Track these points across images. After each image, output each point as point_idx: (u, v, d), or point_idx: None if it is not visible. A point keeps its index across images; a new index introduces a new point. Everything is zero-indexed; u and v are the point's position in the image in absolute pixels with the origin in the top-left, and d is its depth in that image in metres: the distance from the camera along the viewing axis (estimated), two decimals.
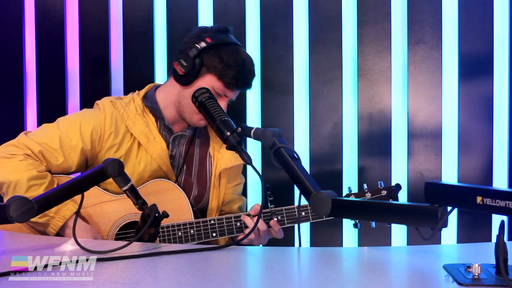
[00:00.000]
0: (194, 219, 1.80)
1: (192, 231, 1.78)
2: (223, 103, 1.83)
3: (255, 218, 1.76)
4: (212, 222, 1.79)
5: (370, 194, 1.79)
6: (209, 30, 1.87)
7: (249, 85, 1.89)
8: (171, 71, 1.87)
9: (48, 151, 1.76)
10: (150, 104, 1.89)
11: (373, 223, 1.77)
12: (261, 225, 1.77)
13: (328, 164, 2.34)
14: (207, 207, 1.94)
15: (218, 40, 1.83)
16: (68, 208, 1.70)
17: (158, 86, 1.96)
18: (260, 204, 1.78)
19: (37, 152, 1.74)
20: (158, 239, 1.74)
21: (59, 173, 1.80)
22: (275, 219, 1.79)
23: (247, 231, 1.76)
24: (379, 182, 1.80)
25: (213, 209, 1.93)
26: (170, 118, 1.90)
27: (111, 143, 1.81)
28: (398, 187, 1.79)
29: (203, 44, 1.81)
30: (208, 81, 1.82)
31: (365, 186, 1.80)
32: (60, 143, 1.77)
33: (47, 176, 1.73)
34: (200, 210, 1.95)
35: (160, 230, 1.75)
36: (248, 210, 2.03)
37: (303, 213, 1.80)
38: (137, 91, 1.94)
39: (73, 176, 1.83)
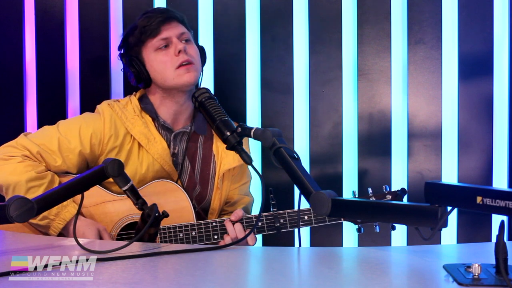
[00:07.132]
0: (196, 220, 1.79)
1: (193, 233, 1.76)
2: (179, 46, 1.83)
3: (236, 225, 1.73)
4: (214, 224, 1.77)
5: (374, 199, 1.76)
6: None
7: (168, 12, 1.89)
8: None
9: (46, 152, 1.76)
10: (144, 104, 1.90)
11: (377, 228, 1.76)
12: (239, 231, 1.71)
13: (328, 164, 2.34)
14: (209, 206, 1.93)
15: (123, 35, 1.96)
16: (68, 210, 1.70)
17: None
18: (243, 211, 1.76)
19: (35, 153, 1.74)
20: (159, 240, 1.74)
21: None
22: (277, 224, 1.75)
23: (226, 237, 1.73)
24: (384, 186, 1.77)
25: (214, 210, 1.92)
26: (167, 117, 1.90)
27: (112, 146, 1.81)
28: (403, 191, 1.76)
29: (120, 51, 1.95)
30: (149, 52, 1.87)
31: (369, 190, 1.76)
32: (58, 145, 1.77)
33: (46, 176, 1.73)
34: (202, 209, 1.94)
35: (162, 231, 1.74)
36: (252, 212, 2.03)
37: (305, 217, 1.77)
38: (133, 93, 1.95)
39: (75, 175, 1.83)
